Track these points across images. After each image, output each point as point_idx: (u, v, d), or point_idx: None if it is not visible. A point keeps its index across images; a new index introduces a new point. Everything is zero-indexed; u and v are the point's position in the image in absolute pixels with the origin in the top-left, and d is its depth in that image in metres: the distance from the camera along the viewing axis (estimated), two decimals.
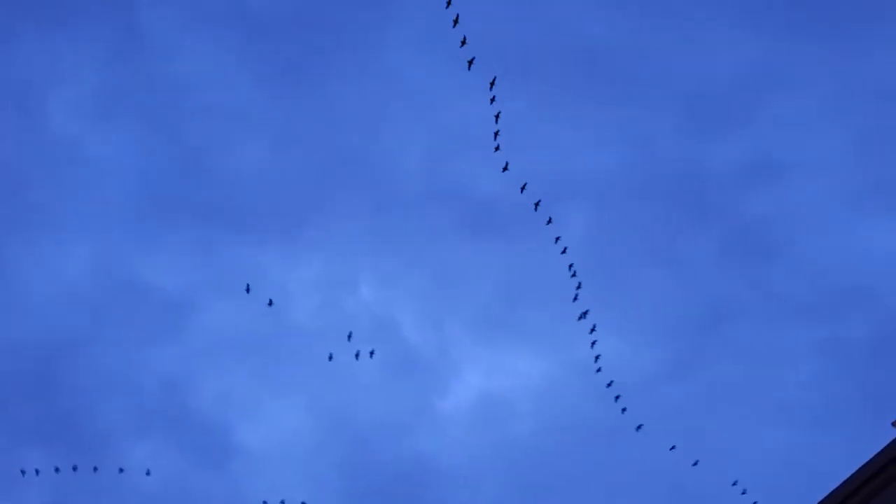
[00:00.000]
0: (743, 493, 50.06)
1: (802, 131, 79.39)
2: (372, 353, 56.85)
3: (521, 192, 47.94)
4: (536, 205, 48.54)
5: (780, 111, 78.38)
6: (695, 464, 54.30)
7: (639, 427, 52.94)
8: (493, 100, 43.76)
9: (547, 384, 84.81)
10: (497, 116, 44.57)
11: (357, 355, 55.41)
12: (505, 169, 46.84)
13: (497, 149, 45.95)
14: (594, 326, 50.57)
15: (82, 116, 78.54)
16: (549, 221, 48.83)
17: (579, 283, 49.42)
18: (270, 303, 60.95)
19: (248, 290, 59.11)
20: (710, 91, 78.37)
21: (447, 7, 40.61)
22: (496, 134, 45.37)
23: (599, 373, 51.08)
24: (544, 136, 76.83)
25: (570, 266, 49.16)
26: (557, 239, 48.76)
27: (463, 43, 42.01)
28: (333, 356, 58.28)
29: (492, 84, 43.52)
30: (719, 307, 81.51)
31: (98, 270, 79.46)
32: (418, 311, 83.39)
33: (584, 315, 50.34)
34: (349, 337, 55.79)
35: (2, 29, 75.64)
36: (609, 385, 51.18)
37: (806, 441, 75.88)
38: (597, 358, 50.81)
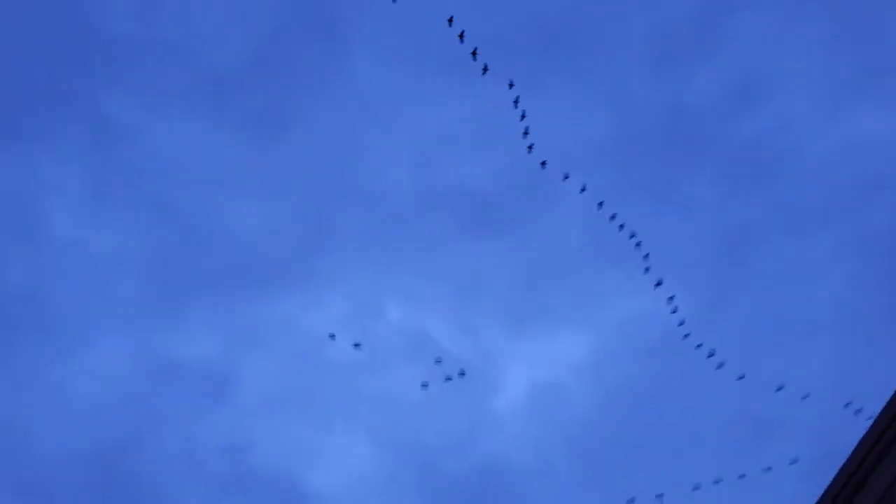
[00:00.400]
0: (857, 412, 49.33)
1: (774, 43, 79.19)
2: (462, 373, 57.42)
3: (565, 179, 48.89)
4: (584, 189, 49.43)
5: (746, 29, 78.20)
6: (805, 397, 53.04)
7: (741, 377, 52.49)
8: (517, 101, 44.93)
9: (591, 357, 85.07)
10: (523, 116, 45.61)
11: (448, 378, 56.07)
12: (544, 164, 47.55)
13: (530, 148, 46.66)
14: (673, 296, 50.88)
15: (77, 219, 79.31)
16: (602, 204, 49.35)
17: (647, 254, 49.83)
18: (357, 345, 61.72)
19: (332, 338, 59.96)
20: (672, 30, 78.28)
21: (450, 25, 41.56)
22: (525, 132, 46.29)
23: (688, 336, 51.05)
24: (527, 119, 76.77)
25: (633, 236, 49.73)
26: (613, 217, 49.27)
27: (474, 54, 42.90)
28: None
29: (510, 85, 44.34)
30: (739, 235, 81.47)
31: (134, 361, 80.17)
32: (448, 319, 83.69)
33: (659, 283, 50.70)
34: (437, 361, 56.46)
35: None
36: (699, 347, 51.04)
37: (860, 347, 75.67)
38: (681, 323, 50.74)
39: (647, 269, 50.21)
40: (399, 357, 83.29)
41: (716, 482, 53.59)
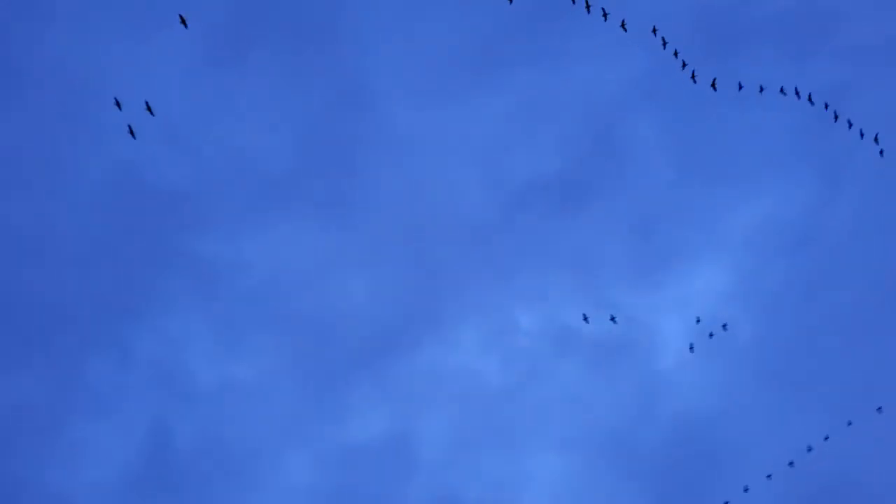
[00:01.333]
0: None
1: None
2: (725, 326, 59.13)
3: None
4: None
5: None
6: None
7: None
8: (664, 43, 51.19)
9: (737, 280, 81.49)
10: (676, 53, 51.28)
11: (711, 335, 62.74)
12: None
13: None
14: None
15: (216, 362, 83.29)
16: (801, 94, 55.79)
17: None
18: (613, 319, 63.67)
19: (697, 321, 62.15)
20: None
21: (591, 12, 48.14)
22: (684, 64, 52.08)
23: None
24: (570, 93, 76.22)
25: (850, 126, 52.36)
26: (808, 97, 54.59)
27: (605, 15, 49.72)
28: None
29: (654, 30, 50.22)
30: (830, 96, 76.33)
31: (321, 466, 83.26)
32: (580, 304, 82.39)
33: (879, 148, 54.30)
34: (697, 321, 62.48)
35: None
36: None
37: None
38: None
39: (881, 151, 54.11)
40: (550, 359, 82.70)
41: None
